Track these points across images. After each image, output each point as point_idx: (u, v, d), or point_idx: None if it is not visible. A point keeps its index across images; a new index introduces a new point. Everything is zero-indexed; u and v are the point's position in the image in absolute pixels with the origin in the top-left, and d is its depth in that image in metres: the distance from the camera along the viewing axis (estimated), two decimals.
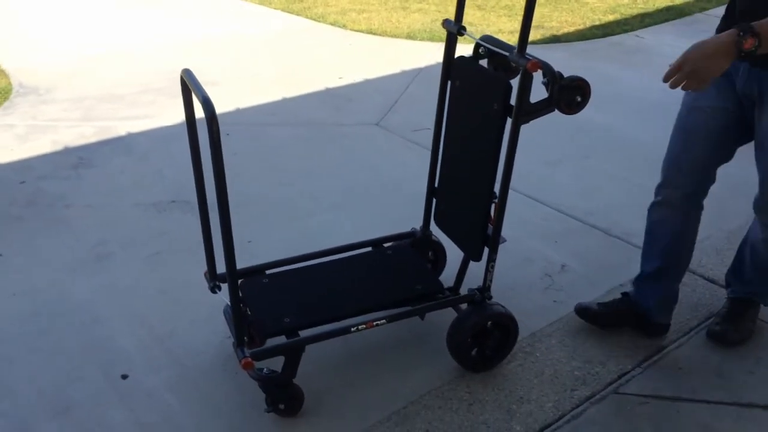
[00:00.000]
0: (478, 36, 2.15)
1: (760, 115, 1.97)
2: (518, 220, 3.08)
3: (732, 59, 1.70)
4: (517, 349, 2.32)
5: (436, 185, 2.43)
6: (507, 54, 1.97)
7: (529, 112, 1.96)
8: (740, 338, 2.36)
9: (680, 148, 2.15)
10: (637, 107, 4.38)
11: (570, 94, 1.97)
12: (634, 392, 2.17)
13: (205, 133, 1.71)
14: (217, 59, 5.41)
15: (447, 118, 2.29)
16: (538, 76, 1.92)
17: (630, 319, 2.39)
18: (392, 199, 3.37)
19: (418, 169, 3.63)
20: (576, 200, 3.31)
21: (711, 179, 2.18)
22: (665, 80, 1.80)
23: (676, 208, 2.22)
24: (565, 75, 1.93)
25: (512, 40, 5.87)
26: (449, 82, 2.27)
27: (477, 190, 2.15)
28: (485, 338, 2.22)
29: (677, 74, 1.77)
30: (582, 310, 2.43)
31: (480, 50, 2.19)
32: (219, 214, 1.79)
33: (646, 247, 2.35)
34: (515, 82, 1.97)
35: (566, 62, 5.18)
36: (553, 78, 1.92)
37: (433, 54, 5.52)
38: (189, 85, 1.85)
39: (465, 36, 2.21)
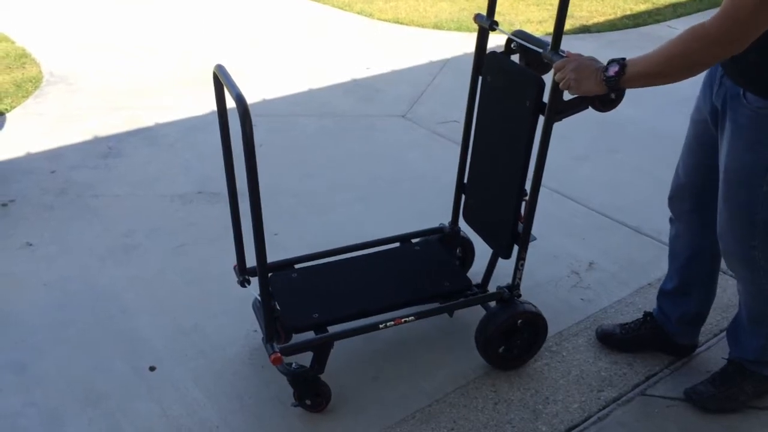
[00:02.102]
0: (510, 31, 2.12)
1: (721, 134, 1.81)
2: (545, 215, 3.04)
3: (598, 83, 1.72)
4: (543, 348, 2.30)
5: (465, 181, 2.41)
6: (540, 51, 1.93)
7: (562, 110, 1.93)
8: (720, 407, 2.08)
9: (680, 161, 2.07)
10: (666, 100, 4.30)
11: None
12: (662, 394, 2.14)
13: (235, 128, 1.70)
14: (242, 49, 5.41)
15: (477, 113, 2.27)
16: None
17: (654, 342, 2.29)
18: (419, 192, 3.35)
19: (445, 162, 3.61)
20: (604, 196, 3.27)
21: (714, 194, 1.95)
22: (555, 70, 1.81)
23: (687, 224, 2.11)
24: None
25: (541, 30, 5.81)
26: (480, 78, 2.24)
27: (508, 188, 2.12)
28: (513, 336, 2.20)
29: (560, 72, 1.79)
30: (604, 337, 2.35)
31: (512, 45, 2.15)
32: (251, 210, 1.79)
33: (668, 263, 2.24)
34: (548, 78, 1.93)
35: (596, 53, 5.05)
36: None
37: (460, 45, 5.47)
38: (222, 81, 1.85)
39: (497, 30, 2.17)
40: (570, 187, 3.33)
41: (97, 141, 3.88)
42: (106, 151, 3.76)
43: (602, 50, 5.11)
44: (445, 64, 5.06)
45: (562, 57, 1.84)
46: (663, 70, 1.61)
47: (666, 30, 5.78)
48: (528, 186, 2.07)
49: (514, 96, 2.06)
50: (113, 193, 3.33)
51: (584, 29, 5.85)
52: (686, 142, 2.03)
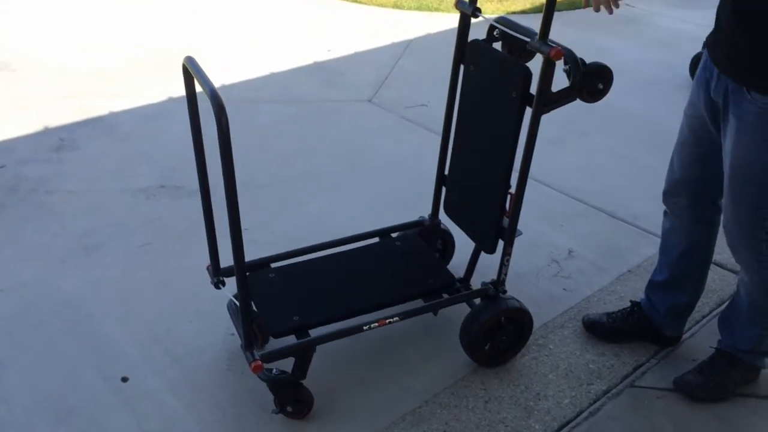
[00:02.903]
0: (493, 17, 2.04)
1: (724, 130, 1.79)
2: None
3: None
4: (530, 341, 2.26)
5: (446, 173, 2.34)
6: (528, 40, 1.86)
7: (550, 101, 1.87)
8: (709, 395, 2.08)
9: (674, 155, 2.04)
10: (633, 81, 4.30)
11: (592, 81, 1.88)
12: (651, 385, 2.12)
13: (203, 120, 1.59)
14: (196, 31, 5.21)
15: (459, 103, 2.19)
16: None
17: (641, 333, 2.28)
18: (393, 180, 3.27)
19: (416, 148, 3.55)
20: (579, 181, 3.24)
21: (710, 190, 1.98)
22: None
23: (683, 219, 2.08)
24: (569, 51, 1.82)
25: (501, 9, 5.74)
26: (461, 67, 2.16)
27: (492, 181, 2.06)
28: (499, 333, 2.15)
29: None
30: (591, 325, 2.32)
31: (495, 33, 2.08)
32: (228, 212, 1.69)
33: (659, 255, 2.22)
34: (534, 68, 1.87)
35: (558, 33, 5.03)
36: (575, 65, 1.83)
37: (421, 25, 5.37)
38: (193, 74, 1.72)
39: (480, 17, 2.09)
40: (544, 173, 3.28)
41: (47, 132, 3.67)
42: (57, 143, 3.56)
43: (564, 30, 5.07)
44: (408, 45, 4.96)
45: (551, 47, 1.77)
46: None
47: (624, 8, 5.78)
48: (514, 179, 2.01)
49: (499, 86, 1.99)
50: (68, 188, 3.16)
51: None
52: (681, 138, 2.00)
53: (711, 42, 1.81)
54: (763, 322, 1.98)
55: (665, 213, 2.15)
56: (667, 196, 2.10)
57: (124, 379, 2.16)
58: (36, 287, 2.53)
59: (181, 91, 4.18)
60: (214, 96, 1.57)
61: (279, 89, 4.26)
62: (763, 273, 1.88)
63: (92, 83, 4.26)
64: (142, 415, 2.04)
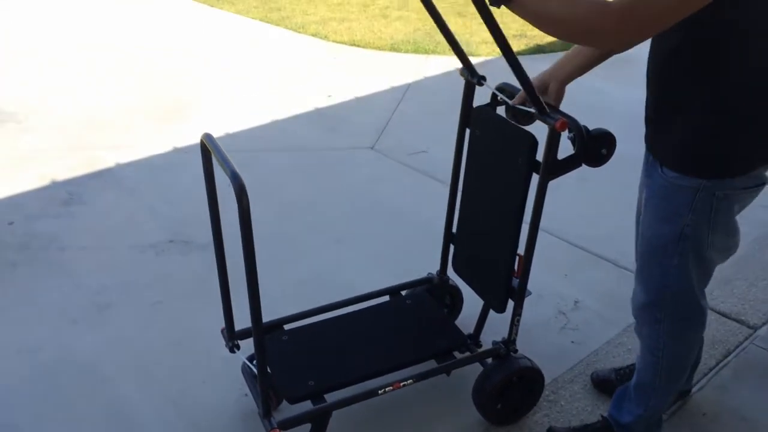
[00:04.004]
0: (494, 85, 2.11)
1: (645, 202, 1.83)
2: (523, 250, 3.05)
3: None
4: (541, 398, 2.29)
5: (454, 230, 2.39)
6: (532, 111, 1.92)
7: (556, 169, 1.93)
8: None
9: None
10: (627, 123, 4.35)
11: (596, 148, 1.94)
12: None
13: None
14: (197, 75, 5.30)
15: (466, 165, 2.25)
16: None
17: None
18: (397, 231, 3.32)
19: (419, 196, 3.60)
20: (580, 228, 3.30)
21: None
22: None
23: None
24: (573, 121, 1.88)
25: (496, 51, 5.85)
26: (467, 130, 2.22)
27: (501, 244, 2.11)
28: (511, 391, 2.19)
29: None
30: (600, 383, 2.36)
31: (498, 98, 2.14)
32: (248, 292, 1.73)
33: None
34: (539, 135, 1.92)
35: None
36: (579, 134, 1.89)
37: (418, 68, 5.47)
38: (212, 152, 1.78)
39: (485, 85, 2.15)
40: (544, 219, 3.29)
41: (55, 186, 3.72)
42: (66, 197, 3.61)
43: None
44: (407, 89, 5.05)
45: (556, 119, 1.83)
46: (541, 16, 1.44)
47: None
48: (522, 240, 2.06)
49: (505, 152, 2.05)
50: (79, 245, 3.20)
51: (538, 49, 5.93)
52: (636, 215, 2.04)
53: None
54: (644, 401, 1.99)
55: None
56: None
57: None
58: (51, 349, 2.56)
59: (184, 141, 4.28)
60: (235, 177, 1.62)
61: (280, 137, 4.32)
62: (656, 353, 1.89)
63: (96, 133, 4.32)
64: None
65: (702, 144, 1.59)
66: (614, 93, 4.85)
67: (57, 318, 2.72)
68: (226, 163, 1.67)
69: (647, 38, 1.40)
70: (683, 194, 1.63)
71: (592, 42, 1.54)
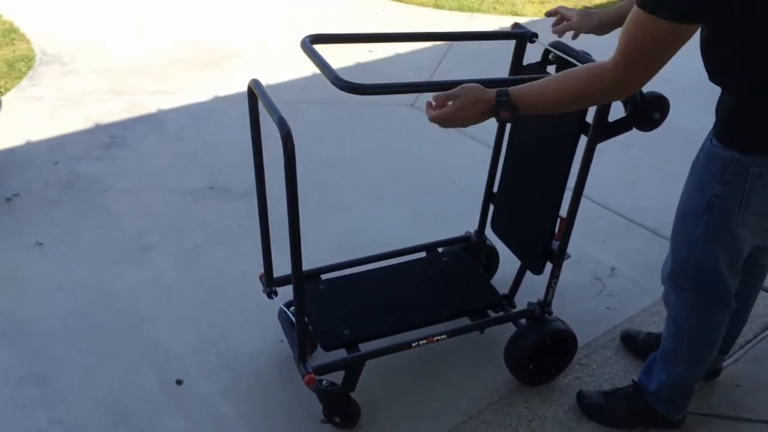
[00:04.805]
0: (548, 41, 2.06)
1: None
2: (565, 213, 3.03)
3: (488, 117, 1.54)
4: (573, 360, 2.29)
5: (495, 190, 2.38)
6: None
7: (606, 131, 1.89)
8: (600, 419, 2.11)
9: None
10: (675, 91, 4.23)
11: (649, 111, 1.89)
12: (693, 411, 2.14)
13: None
14: (239, 28, 5.28)
15: (512, 125, 2.22)
16: None
17: None
18: (435, 190, 3.31)
19: (458, 157, 3.57)
20: (621, 196, 3.25)
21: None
22: (430, 109, 1.57)
23: None
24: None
25: (543, 10, 5.71)
26: None
27: (543, 205, 2.09)
28: (543, 353, 2.19)
29: (442, 110, 1.55)
30: (627, 337, 2.37)
31: (550, 56, 2.10)
32: (290, 237, 1.74)
33: None
34: None
35: (599, 41, 5.03)
36: (633, 95, 1.85)
37: (462, 25, 5.38)
38: (258, 97, 1.78)
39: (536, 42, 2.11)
40: (587, 186, 3.28)
41: (98, 129, 3.77)
42: (109, 140, 3.66)
43: (607, 39, 5.02)
44: (449, 47, 4.97)
45: None
46: (551, 107, 1.55)
47: None
48: (565, 203, 2.04)
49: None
50: (121, 187, 3.25)
51: None
52: None
53: None
54: (668, 369, 1.97)
55: None
56: None
57: (179, 382, 2.24)
58: (92, 287, 2.62)
59: (226, 89, 4.29)
60: (282, 123, 1.63)
61: (321, 90, 4.28)
62: (679, 321, 1.88)
63: (138, 79, 4.35)
64: (197, 418, 2.12)
65: (739, 117, 1.57)
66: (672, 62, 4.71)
67: (98, 258, 2.78)
68: (273, 109, 1.68)
69: (655, 74, 1.43)
70: (718, 164, 1.61)
71: (607, 99, 1.60)
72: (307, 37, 1.88)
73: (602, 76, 1.44)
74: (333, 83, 1.64)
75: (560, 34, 2.15)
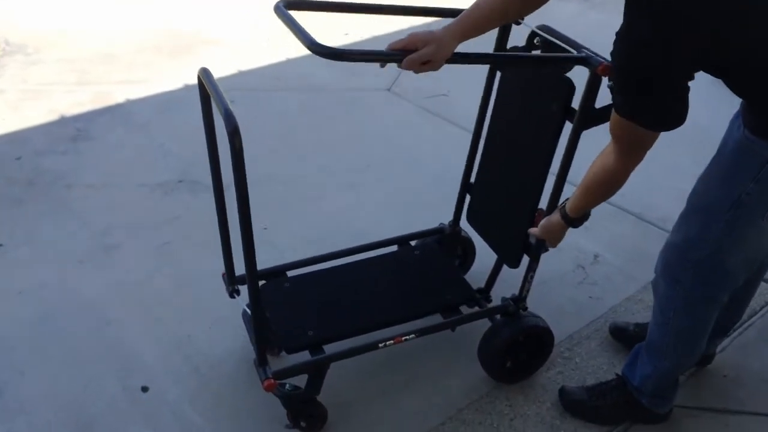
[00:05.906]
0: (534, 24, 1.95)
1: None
2: (544, 201, 2.94)
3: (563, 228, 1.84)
4: (555, 353, 2.22)
5: (472, 180, 2.28)
6: (574, 52, 1.77)
7: (593, 118, 1.80)
8: (582, 415, 2.04)
9: None
10: None
11: None
12: (681, 404, 2.07)
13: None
14: (214, 13, 5.11)
15: (493, 111, 2.12)
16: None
17: None
18: (411, 178, 3.21)
19: (435, 142, 3.47)
20: None
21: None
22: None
23: None
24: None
25: None
26: (497, 72, 2.09)
27: (523, 195, 2.00)
28: (519, 350, 2.10)
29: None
30: (617, 330, 2.30)
31: (535, 40, 1.98)
32: (241, 230, 1.62)
33: None
34: (577, 81, 1.78)
35: (581, 17, 4.94)
36: None
37: (443, 4, 5.24)
38: (208, 89, 1.66)
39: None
40: (570, 171, 3.20)
41: (64, 121, 3.63)
42: (74, 133, 3.52)
43: (587, 13, 4.94)
44: (429, 27, 4.83)
45: (600, 61, 1.68)
46: (589, 205, 1.82)
47: None
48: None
49: (538, 97, 1.92)
50: (87, 182, 3.12)
51: None
52: None
53: None
54: (653, 362, 1.91)
55: None
56: None
57: (144, 389, 2.14)
58: (55, 290, 2.51)
59: (196, 78, 4.12)
60: (228, 116, 1.51)
61: (296, 77, 4.18)
62: (667, 313, 1.81)
63: (106, 68, 4.20)
64: (163, 427, 2.02)
65: None
66: None
67: (62, 258, 2.66)
68: (220, 100, 1.56)
69: (648, 150, 1.57)
70: (752, 160, 1.51)
71: (620, 185, 1.73)
72: (280, 1, 1.75)
73: (606, 176, 1.69)
74: (309, 48, 1.52)
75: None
